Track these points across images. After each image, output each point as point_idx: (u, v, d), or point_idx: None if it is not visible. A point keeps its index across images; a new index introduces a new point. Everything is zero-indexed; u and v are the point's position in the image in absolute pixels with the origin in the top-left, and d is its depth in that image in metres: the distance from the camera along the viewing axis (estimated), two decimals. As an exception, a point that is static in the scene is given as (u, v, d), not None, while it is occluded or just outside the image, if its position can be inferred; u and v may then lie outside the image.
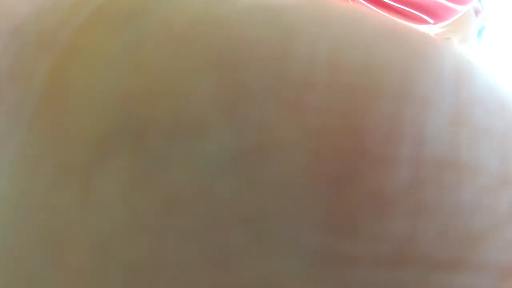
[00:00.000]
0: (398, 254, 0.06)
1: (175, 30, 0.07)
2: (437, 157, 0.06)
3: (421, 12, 0.87)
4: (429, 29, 0.92)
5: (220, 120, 0.07)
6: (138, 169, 0.07)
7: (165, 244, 0.07)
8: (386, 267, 0.06)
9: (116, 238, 0.07)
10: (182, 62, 0.07)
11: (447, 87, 0.07)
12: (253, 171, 0.06)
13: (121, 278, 0.07)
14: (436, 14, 0.87)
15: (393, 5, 0.86)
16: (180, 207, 0.07)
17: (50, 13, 0.09)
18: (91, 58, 0.08)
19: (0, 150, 0.08)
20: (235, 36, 0.07)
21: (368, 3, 0.87)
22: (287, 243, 0.06)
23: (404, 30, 0.07)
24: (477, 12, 0.93)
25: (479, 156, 0.07)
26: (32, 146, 0.08)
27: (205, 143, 0.07)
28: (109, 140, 0.07)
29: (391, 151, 0.06)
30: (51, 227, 0.07)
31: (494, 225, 0.07)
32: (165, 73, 0.07)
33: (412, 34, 0.07)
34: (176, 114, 0.07)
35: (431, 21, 0.87)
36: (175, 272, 0.07)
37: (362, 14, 0.08)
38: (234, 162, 0.06)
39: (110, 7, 0.08)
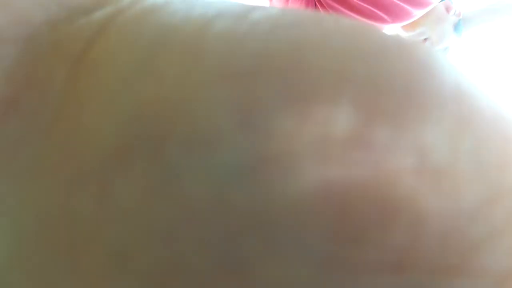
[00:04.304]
0: (401, 261, 0.07)
1: (188, 42, 0.08)
2: (438, 167, 0.07)
3: (379, 10, 0.88)
4: (397, 28, 0.94)
5: (235, 130, 0.07)
6: (154, 177, 0.07)
7: (180, 251, 0.07)
8: (389, 274, 0.07)
9: (132, 245, 0.07)
10: (195, 74, 0.07)
11: (448, 100, 0.07)
12: (267, 180, 0.07)
13: (137, 284, 0.07)
14: (393, 13, 0.89)
15: (354, 1, 0.87)
16: (195, 214, 0.07)
17: (64, 23, 0.09)
18: (106, 68, 0.08)
19: (16, 157, 0.08)
20: (244, 48, 0.07)
21: (333, 2, 0.88)
22: (297, 250, 0.07)
23: (407, 45, 0.08)
24: (447, 8, 0.96)
25: (478, 166, 0.07)
26: (49, 153, 0.08)
27: (220, 153, 0.07)
28: (126, 149, 0.07)
29: (395, 160, 0.07)
30: (68, 234, 0.07)
31: (491, 233, 0.07)
32: (180, 84, 0.07)
33: (415, 49, 0.08)
34: (192, 124, 0.07)
35: (388, 19, 0.89)
36: (190, 279, 0.07)
37: (366, 29, 0.08)
38: (248, 171, 0.07)
39: (124, 18, 0.08)
